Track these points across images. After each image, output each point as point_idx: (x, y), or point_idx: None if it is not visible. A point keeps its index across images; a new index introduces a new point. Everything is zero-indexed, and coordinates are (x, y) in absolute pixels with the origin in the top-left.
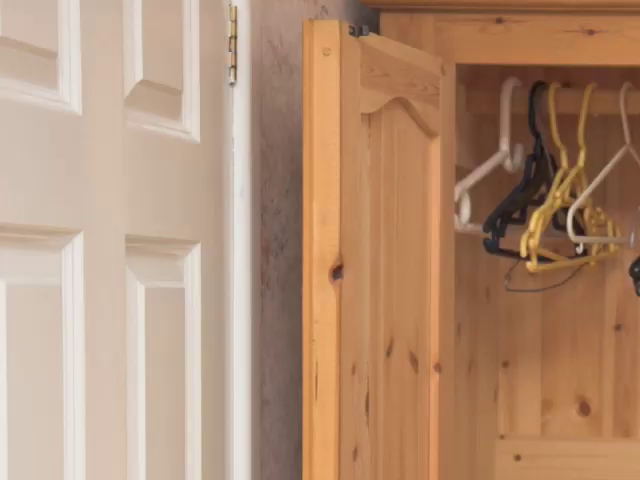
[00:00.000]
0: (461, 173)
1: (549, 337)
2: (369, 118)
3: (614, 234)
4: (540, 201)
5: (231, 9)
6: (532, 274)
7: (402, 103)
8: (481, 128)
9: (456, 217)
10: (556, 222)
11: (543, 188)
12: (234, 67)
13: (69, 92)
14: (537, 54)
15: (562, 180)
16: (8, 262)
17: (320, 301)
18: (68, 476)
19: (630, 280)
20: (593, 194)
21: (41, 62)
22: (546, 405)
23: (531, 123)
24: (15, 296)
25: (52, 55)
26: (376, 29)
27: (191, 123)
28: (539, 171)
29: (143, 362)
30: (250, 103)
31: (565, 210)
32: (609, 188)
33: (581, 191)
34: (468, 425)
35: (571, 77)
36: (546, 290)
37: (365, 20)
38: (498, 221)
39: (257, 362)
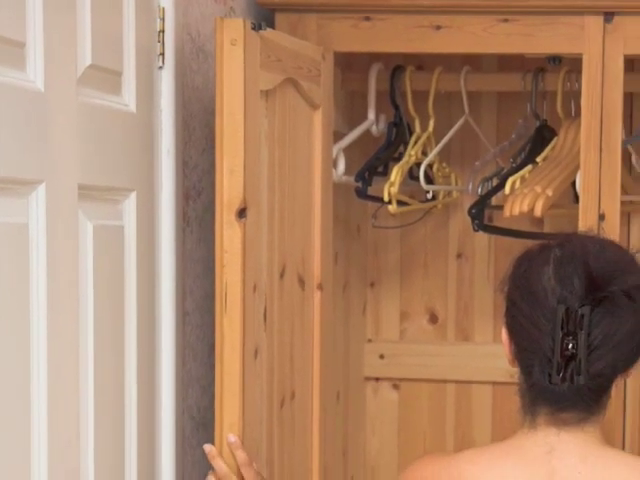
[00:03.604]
0: (338, 137)
1: (406, 264)
2: (266, 94)
3: (456, 184)
4: (399, 158)
5: (159, 9)
6: (393, 215)
7: (292, 82)
8: (353, 102)
9: (334, 171)
10: (411, 174)
11: (401, 148)
12: (162, 54)
13: (34, 74)
14: (397, 44)
15: (416, 142)
16: None
17: (229, 236)
18: (34, 372)
19: (468, 219)
20: (440, 152)
21: (12, 51)
22: (403, 316)
23: (392, 98)
24: None
25: (21, 45)
26: (272, 25)
27: (129, 98)
28: (398, 135)
29: (91, 284)
30: (174, 82)
31: (418, 165)
32: (452, 148)
33: (431, 150)
34: (343, 332)
35: (423, 62)
36: (403, 227)
37: (263, 18)
38: (366, 174)
39: (180, 282)
